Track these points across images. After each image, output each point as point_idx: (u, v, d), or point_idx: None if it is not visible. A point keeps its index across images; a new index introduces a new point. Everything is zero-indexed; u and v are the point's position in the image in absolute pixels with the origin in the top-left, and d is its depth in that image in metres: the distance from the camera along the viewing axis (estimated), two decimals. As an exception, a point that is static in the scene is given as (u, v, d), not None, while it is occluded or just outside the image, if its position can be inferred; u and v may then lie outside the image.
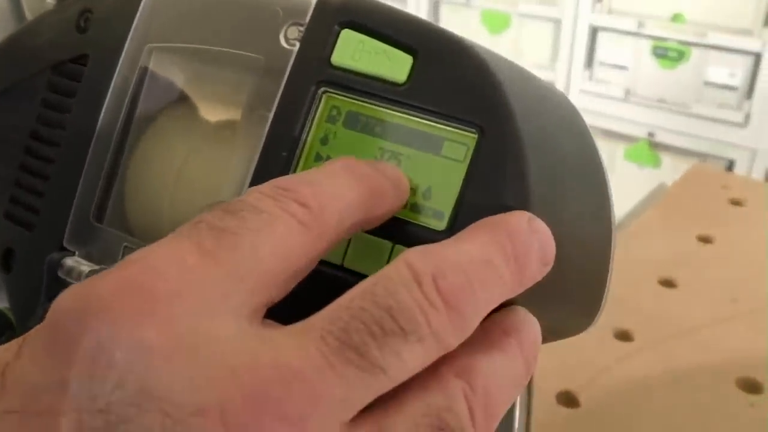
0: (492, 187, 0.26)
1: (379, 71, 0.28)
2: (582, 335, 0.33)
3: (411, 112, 0.27)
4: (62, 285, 0.32)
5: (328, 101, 0.29)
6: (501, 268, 0.23)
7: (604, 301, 0.32)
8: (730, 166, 1.80)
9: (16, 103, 0.38)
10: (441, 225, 0.26)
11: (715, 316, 0.72)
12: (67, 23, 0.35)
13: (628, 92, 1.89)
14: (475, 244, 0.23)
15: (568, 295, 0.30)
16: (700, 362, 0.65)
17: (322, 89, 0.29)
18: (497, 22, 2.04)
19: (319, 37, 0.29)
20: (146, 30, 0.33)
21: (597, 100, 1.92)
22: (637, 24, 1.81)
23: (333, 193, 0.24)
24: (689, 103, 1.81)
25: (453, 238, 0.24)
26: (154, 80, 0.33)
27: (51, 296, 0.33)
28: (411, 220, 0.27)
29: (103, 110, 0.33)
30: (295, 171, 0.29)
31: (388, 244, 0.27)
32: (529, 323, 0.25)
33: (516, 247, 0.24)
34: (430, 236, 0.26)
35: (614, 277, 0.31)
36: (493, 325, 0.24)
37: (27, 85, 0.37)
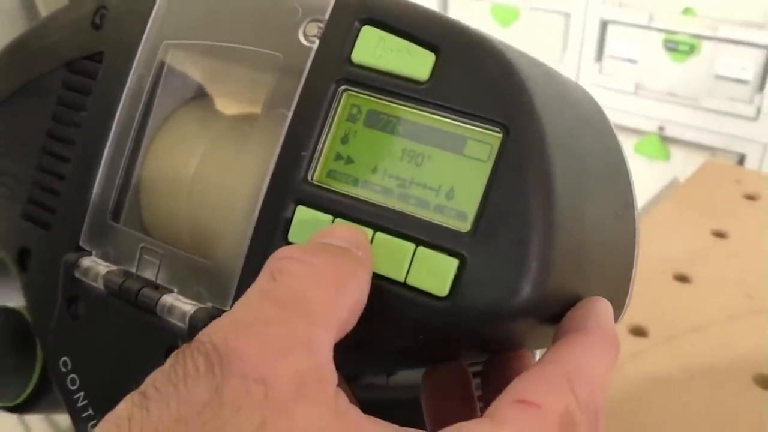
0: (516, 188, 0.25)
1: (400, 69, 0.27)
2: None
3: (433, 111, 0.27)
4: (79, 285, 0.32)
5: (348, 99, 0.28)
6: None
7: (628, 300, 0.32)
8: (741, 160, 1.79)
9: (31, 102, 0.37)
10: (465, 226, 0.26)
11: (729, 312, 0.71)
12: (81, 20, 0.35)
13: (638, 86, 1.88)
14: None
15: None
16: (716, 359, 0.65)
17: (343, 87, 0.28)
18: (507, 15, 2.03)
19: (339, 34, 0.29)
20: (162, 26, 0.33)
21: (607, 94, 1.90)
22: (648, 17, 1.80)
23: None
24: (700, 96, 1.79)
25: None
26: (171, 77, 0.33)
27: (67, 296, 0.32)
28: (434, 221, 0.26)
29: (119, 108, 0.33)
30: (315, 171, 0.28)
31: (410, 245, 0.26)
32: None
33: None
34: (454, 237, 0.26)
35: (628, 272, 0.31)
36: None
37: (41, 84, 0.37)
